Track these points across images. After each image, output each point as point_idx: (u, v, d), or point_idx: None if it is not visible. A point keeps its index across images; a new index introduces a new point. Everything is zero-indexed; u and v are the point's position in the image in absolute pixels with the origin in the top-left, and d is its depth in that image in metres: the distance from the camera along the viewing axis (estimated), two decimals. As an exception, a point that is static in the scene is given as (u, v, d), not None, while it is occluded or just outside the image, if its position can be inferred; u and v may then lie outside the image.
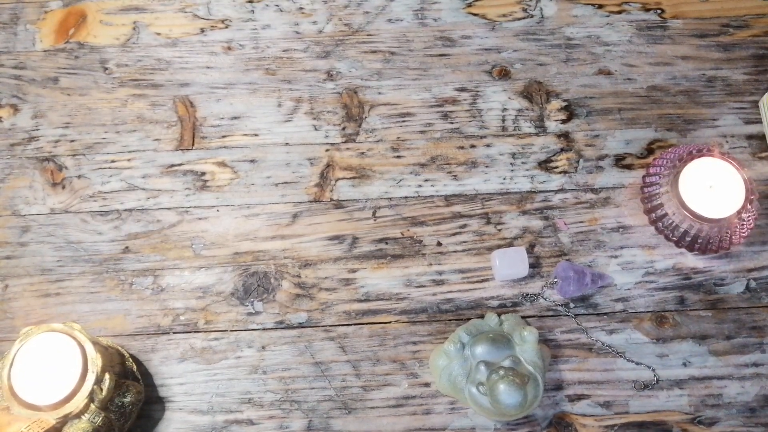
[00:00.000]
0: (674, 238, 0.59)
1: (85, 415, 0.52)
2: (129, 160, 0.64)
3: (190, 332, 0.60)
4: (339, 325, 0.60)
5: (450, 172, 0.64)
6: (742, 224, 0.57)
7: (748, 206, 0.57)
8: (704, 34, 0.67)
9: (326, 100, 0.66)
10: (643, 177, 0.61)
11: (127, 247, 0.62)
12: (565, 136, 0.65)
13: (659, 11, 0.68)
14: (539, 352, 0.55)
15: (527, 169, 0.64)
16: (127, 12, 0.69)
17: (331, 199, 0.63)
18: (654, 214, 0.59)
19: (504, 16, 0.68)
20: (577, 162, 0.64)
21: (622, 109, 0.65)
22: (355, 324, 0.60)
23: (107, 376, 0.52)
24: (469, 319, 0.59)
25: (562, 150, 0.64)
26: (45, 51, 0.67)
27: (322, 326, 0.60)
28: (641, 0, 0.69)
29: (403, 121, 0.65)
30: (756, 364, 0.58)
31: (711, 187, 0.57)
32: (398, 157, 0.64)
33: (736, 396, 0.58)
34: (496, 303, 0.60)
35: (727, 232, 0.57)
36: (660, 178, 0.59)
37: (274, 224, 0.62)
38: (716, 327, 0.59)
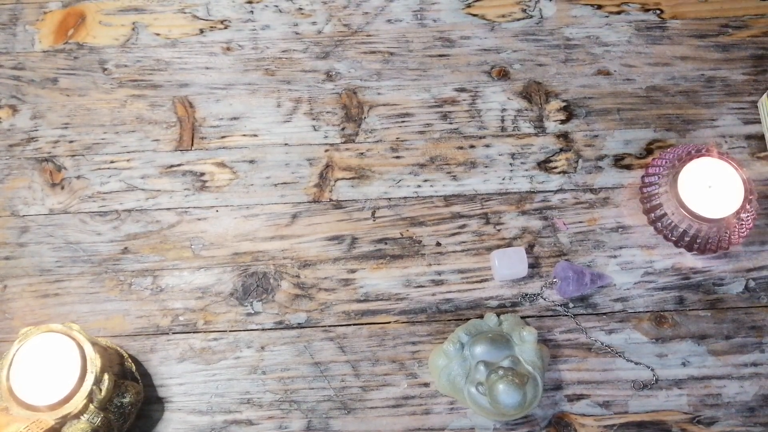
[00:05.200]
0: (673, 238, 0.59)
1: (84, 415, 0.52)
2: (128, 160, 0.64)
3: (189, 332, 0.60)
4: (338, 326, 0.60)
5: (449, 173, 0.64)
6: (741, 224, 0.57)
7: (747, 206, 0.57)
8: (703, 35, 0.68)
9: (325, 100, 0.66)
10: (642, 177, 0.61)
11: (126, 248, 0.62)
12: (564, 136, 0.65)
13: (658, 12, 0.68)
14: (538, 352, 0.55)
15: (526, 170, 0.64)
16: (126, 12, 0.69)
17: (331, 200, 0.63)
18: (653, 214, 0.59)
19: (503, 16, 0.68)
20: (576, 162, 0.64)
21: (621, 110, 0.65)
22: (354, 324, 0.60)
23: (106, 376, 0.52)
24: (468, 319, 0.59)
25: (561, 150, 0.64)
26: (44, 51, 0.67)
27: (322, 326, 0.60)
28: (640, 0, 0.69)
29: (403, 122, 0.65)
30: (755, 363, 0.58)
31: (710, 187, 0.57)
32: (397, 157, 0.64)
33: (735, 396, 0.58)
34: (495, 303, 0.60)
35: (726, 232, 0.57)
36: (659, 178, 0.59)
37: (273, 224, 0.62)
38: (715, 327, 0.59)
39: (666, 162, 0.59)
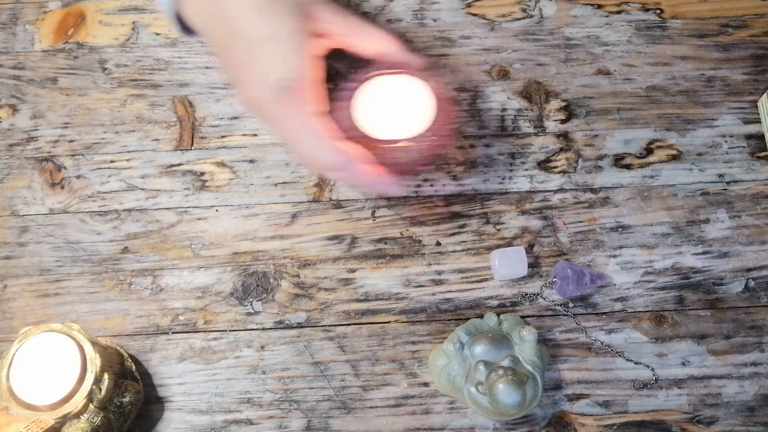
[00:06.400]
0: None
1: (84, 415, 0.52)
2: (128, 160, 0.64)
3: (189, 332, 0.60)
4: (338, 325, 0.60)
5: (449, 172, 0.64)
6: (433, 141, 0.54)
7: (438, 124, 0.53)
8: (703, 34, 0.68)
9: (325, 100, 0.66)
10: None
11: (126, 247, 0.62)
12: (564, 136, 0.65)
13: (658, 11, 0.68)
14: (538, 351, 0.55)
15: (526, 169, 0.64)
16: (126, 12, 0.69)
17: (330, 199, 0.63)
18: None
19: (503, 16, 0.68)
20: (576, 162, 0.64)
21: (621, 109, 0.65)
22: (354, 324, 0.60)
23: (106, 376, 0.52)
24: (468, 318, 0.59)
25: (561, 150, 0.64)
26: (44, 51, 0.67)
27: (321, 326, 0.60)
28: (640, 0, 0.69)
29: (402, 121, 0.65)
30: (755, 363, 0.58)
31: (393, 107, 0.53)
32: (397, 157, 0.64)
33: (734, 395, 0.58)
34: (495, 303, 0.60)
35: (414, 153, 0.53)
36: (342, 102, 0.55)
37: (273, 224, 0.62)
38: (715, 326, 0.59)
39: (350, 86, 0.55)
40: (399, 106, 0.54)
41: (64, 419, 0.51)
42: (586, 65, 0.67)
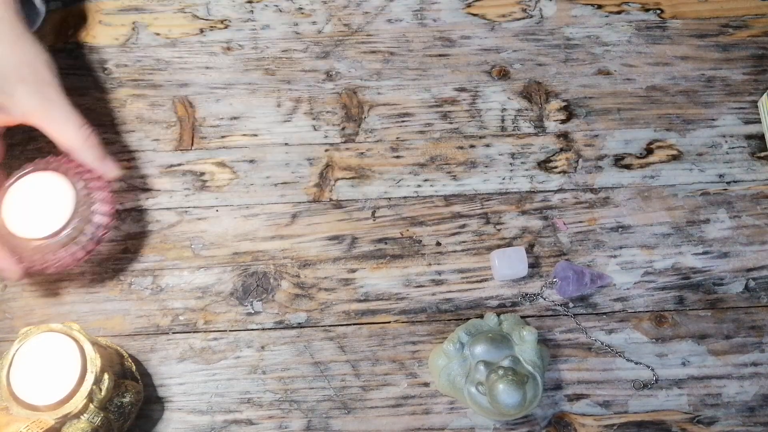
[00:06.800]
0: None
1: (84, 415, 0.52)
2: (128, 160, 0.64)
3: (189, 332, 0.60)
4: (338, 325, 0.60)
5: (449, 172, 0.64)
6: (63, 244, 0.55)
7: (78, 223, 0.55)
8: (703, 35, 0.68)
9: (325, 100, 0.66)
10: None
11: (126, 248, 0.62)
12: (564, 136, 0.65)
13: (658, 11, 0.68)
14: (538, 351, 0.55)
15: (526, 169, 0.64)
16: (126, 12, 0.69)
17: (331, 199, 0.63)
18: None
19: (503, 16, 0.68)
20: (577, 162, 0.64)
21: (622, 109, 0.65)
22: (354, 324, 0.60)
23: (106, 376, 0.52)
24: (468, 318, 0.59)
25: (561, 150, 0.64)
26: (44, 51, 0.67)
27: (322, 326, 0.60)
28: (640, 0, 0.69)
29: (403, 122, 0.65)
30: (755, 363, 0.58)
31: (35, 205, 0.55)
32: (397, 157, 0.64)
33: (735, 395, 0.58)
34: (495, 303, 0.60)
35: (46, 255, 0.55)
36: None
37: (273, 224, 0.62)
38: (715, 327, 0.59)
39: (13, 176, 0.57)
40: (41, 205, 0.55)
41: (64, 419, 0.51)
42: (586, 65, 0.67)
